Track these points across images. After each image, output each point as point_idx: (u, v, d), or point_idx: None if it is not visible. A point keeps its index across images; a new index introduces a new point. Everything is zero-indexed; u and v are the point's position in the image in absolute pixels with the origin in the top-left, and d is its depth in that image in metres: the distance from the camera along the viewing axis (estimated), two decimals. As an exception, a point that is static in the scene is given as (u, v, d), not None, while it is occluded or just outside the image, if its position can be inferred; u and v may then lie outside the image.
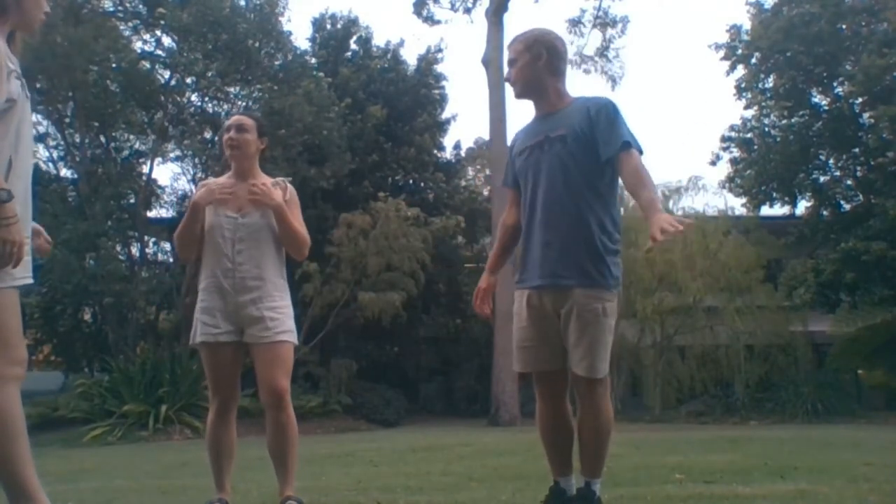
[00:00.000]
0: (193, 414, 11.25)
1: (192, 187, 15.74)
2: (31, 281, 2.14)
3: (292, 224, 2.83)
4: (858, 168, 17.65)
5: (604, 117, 2.48)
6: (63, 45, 12.08)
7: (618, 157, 2.45)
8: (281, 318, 2.78)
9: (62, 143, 14.53)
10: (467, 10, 19.24)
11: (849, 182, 17.82)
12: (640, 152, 2.49)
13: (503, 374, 14.65)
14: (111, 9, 14.41)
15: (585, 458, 2.54)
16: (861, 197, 17.33)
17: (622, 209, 18.10)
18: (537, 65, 2.56)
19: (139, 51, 14.39)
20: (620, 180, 2.55)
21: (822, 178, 18.02)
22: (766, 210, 18.73)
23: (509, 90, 2.73)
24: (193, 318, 2.84)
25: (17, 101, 2.10)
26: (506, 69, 2.75)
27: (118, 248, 14.22)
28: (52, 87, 13.24)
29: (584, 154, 2.49)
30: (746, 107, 18.72)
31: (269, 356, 2.75)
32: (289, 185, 2.95)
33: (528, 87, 2.61)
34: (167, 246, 16.86)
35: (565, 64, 2.66)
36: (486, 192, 18.98)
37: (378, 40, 18.39)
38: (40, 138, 15.44)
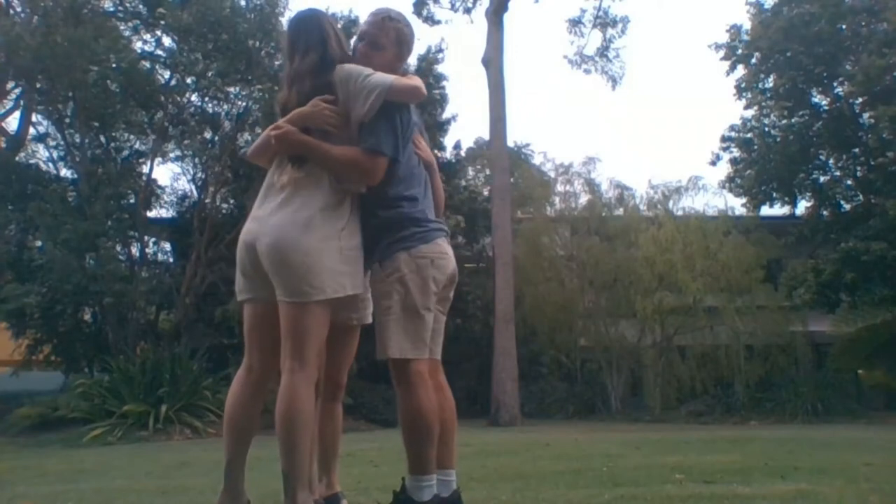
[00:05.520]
0: (193, 414, 11.25)
1: (192, 187, 15.75)
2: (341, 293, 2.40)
3: None
4: (858, 168, 17.64)
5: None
6: (63, 45, 12.08)
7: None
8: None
9: (62, 143, 14.53)
10: (467, 10, 19.26)
11: (849, 182, 17.81)
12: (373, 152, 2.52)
13: (503, 374, 14.64)
14: (111, 9, 14.43)
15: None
16: (861, 197, 17.33)
17: (622, 209, 18.19)
18: (396, 64, 2.61)
19: (139, 51, 14.40)
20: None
21: (822, 178, 18.02)
22: (766, 210, 18.76)
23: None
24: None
25: None
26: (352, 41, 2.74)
27: (118, 248, 14.22)
28: (52, 87, 13.24)
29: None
30: (746, 107, 18.73)
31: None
32: None
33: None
34: (167, 246, 16.88)
35: None
36: (486, 192, 18.97)
37: (378, 40, 18.36)
38: (40, 138, 15.46)
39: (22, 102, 15.82)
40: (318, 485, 2.69)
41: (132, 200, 14.49)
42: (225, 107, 14.77)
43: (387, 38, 2.56)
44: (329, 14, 2.62)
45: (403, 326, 2.43)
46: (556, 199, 18.97)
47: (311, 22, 2.54)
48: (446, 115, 18.89)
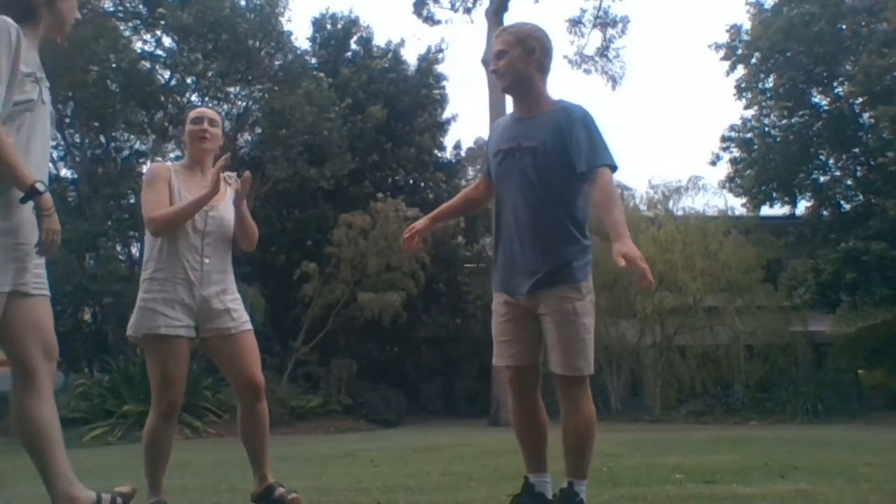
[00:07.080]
0: (193, 414, 11.25)
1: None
2: None
3: (249, 217, 2.94)
4: (858, 168, 17.65)
5: (578, 131, 2.50)
6: (63, 46, 12.02)
7: (591, 173, 2.49)
8: (241, 309, 2.86)
9: (62, 143, 14.52)
10: (467, 10, 19.26)
11: (849, 182, 17.83)
12: (615, 169, 2.54)
13: (503, 373, 14.64)
14: (111, 9, 14.40)
15: (566, 458, 2.59)
16: (861, 197, 17.34)
17: (626, 207, 18.17)
18: (529, 59, 2.56)
19: (139, 51, 14.39)
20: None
21: (822, 178, 18.04)
22: (766, 210, 18.76)
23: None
24: (140, 306, 2.71)
25: (32, 105, 2.14)
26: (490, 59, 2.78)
27: (118, 248, 14.22)
28: (52, 87, 13.17)
29: (554, 166, 2.52)
30: (746, 107, 18.75)
31: (240, 347, 2.79)
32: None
33: (517, 81, 2.60)
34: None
35: (552, 62, 2.67)
36: (486, 192, 18.97)
37: (378, 40, 18.40)
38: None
39: (22, 102, 15.81)
40: (253, 480, 2.85)
41: (132, 200, 14.49)
42: (225, 107, 14.77)
43: (506, 44, 2.61)
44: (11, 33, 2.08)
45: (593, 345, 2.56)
46: (556, 199, 18.98)
47: None
48: (446, 115, 18.94)
